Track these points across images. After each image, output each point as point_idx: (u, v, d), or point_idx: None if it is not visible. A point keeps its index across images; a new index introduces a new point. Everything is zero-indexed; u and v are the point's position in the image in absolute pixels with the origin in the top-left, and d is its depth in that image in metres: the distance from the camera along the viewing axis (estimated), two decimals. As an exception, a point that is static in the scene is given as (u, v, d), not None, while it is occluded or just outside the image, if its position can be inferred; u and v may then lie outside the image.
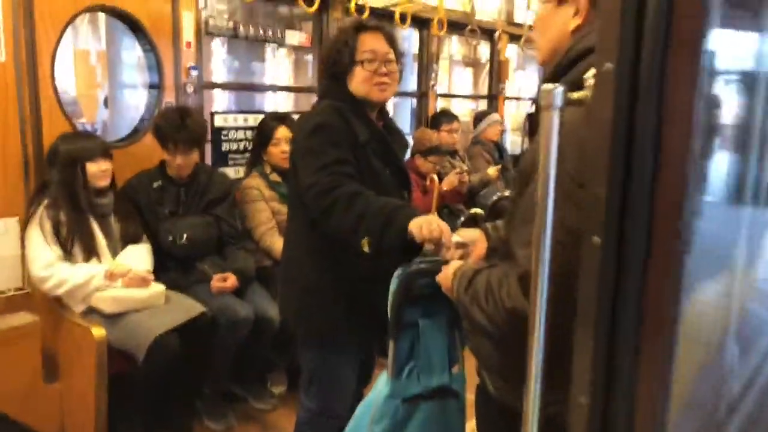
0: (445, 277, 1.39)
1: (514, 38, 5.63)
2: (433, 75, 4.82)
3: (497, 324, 1.13)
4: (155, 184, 2.80)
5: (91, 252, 2.54)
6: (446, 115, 4.70)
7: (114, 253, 2.62)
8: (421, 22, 4.60)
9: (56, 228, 2.48)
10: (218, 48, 6.50)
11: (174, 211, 2.82)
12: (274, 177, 3.12)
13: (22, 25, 2.55)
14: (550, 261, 0.82)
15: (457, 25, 4.68)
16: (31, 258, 2.46)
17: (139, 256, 2.65)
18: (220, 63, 6.35)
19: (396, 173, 1.92)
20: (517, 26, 5.53)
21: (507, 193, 3.52)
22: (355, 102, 1.85)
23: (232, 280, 2.81)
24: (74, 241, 2.51)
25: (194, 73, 3.13)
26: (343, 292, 1.87)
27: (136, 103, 3.49)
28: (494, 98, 5.69)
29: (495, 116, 5.16)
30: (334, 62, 1.87)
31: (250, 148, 3.42)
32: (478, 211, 2.23)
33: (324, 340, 1.94)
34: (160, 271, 2.73)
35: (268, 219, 3.09)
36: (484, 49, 6.17)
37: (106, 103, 6.29)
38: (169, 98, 3.09)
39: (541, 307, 0.82)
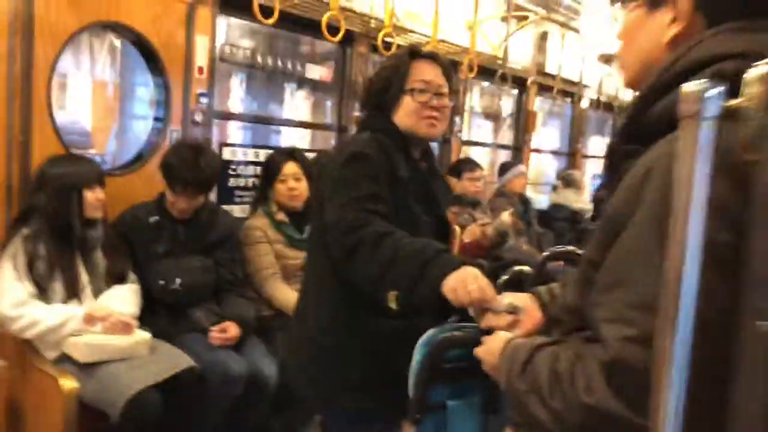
0: (489, 352, 1.08)
1: (543, 89, 5.42)
2: (458, 120, 4.59)
3: (568, 425, 0.82)
4: (151, 219, 2.52)
5: (72, 290, 2.25)
6: (469, 163, 4.44)
7: (97, 293, 2.33)
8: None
9: (32, 262, 2.20)
10: (236, 86, 6.37)
11: (169, 250, 2.52)
12: (281, 217, 2.83)
13: (19, 38, 2.33)
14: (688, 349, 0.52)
15: (485, 71, 4.47)
16: (0, 293, 2.17)
17: (124, 298, 2.35)
18: (237, 101, 6.21)
19: (436, 221, 1.67)
20: (548, 76, 5.33)
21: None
22: (398, 136, 1.62)
23: (233, 331, 2.50)
24: (54, 277, 2.22)
25: (204, 100, 2.90)
26: (369, 353, 1.57)
27: (145, 135, 3.29)
28: (519, 150, 5.44)
29: (521, 167, 4.90)
30: (381, 90, 1.65)
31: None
32: (524, 268, 1.91)
33: (347, 413, 1.63)
34: (147, 317, 2.43)
35: (271, 264, 2.79)
36: (505, 102, 5.99)
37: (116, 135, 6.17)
38: (176, 126, 2.85)
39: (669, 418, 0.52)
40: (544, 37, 5.30)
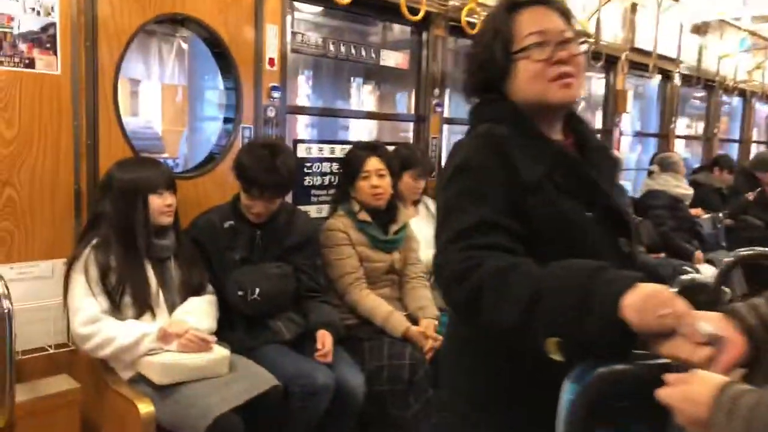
0: (688, 398, 0.78)
1: (634, 66, 4.97)
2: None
3: None
4: (226, 224, 2.32)
5: (143, 305, 2.08)
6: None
7: (171, 308, 2.15)
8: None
9: (105, 274, 2.04)
10: (302, 81, 6.20)
11: (246, 257, 2.32)
12: (363, 216, 2.59)
13: (82, 36, 2.18)
14: None
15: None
16: (72, 310, 2.02)
17: (200, 311, 2.16)
18: (303, 97, 6.04)
19: (605, 214, 1.22)
20: (641, 53, 4.87)
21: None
22: (521, 119, 1.24)
23: (327, 341, 2.29)
24: (125, 290, 2.06)
25: (276, 94, 2.68)
26: (526, 403, 1.16)
27: (216, 136, 3.13)
28: (609, 132, 5.01)
29: (615, 153, 4.49)
30: (483, 65, 1.28)
31: (336, 183, 2.93)
32: (696, 276, 1.52)
33: None
34: (224, 330, 2.24)
35: (354, 268, 2.55)
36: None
37: (187, 138, 6.12)
38: (247, 123, 2.65)
39: None
40: (633, 10, 4.86)
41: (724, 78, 6.17)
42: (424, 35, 3.37)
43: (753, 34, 6.06)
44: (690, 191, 4.83)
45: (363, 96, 8.25)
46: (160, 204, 2.13)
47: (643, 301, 0.90)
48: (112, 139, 2.28)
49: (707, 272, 4.38)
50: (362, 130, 6.89)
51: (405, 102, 4.08)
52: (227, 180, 2.60)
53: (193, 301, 2.18)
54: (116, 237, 2.08)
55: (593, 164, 1.27)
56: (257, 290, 2.26)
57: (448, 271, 1.10)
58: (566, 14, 1.27)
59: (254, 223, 2.35)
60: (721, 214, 5.29)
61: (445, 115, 3.64)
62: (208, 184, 2.57)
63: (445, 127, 3.79)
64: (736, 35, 6.04)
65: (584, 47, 1.27)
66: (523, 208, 1.15)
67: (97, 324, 1.99)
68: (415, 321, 2.54)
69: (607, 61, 4.61)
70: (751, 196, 5.98)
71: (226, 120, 2.70)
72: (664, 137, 5.79)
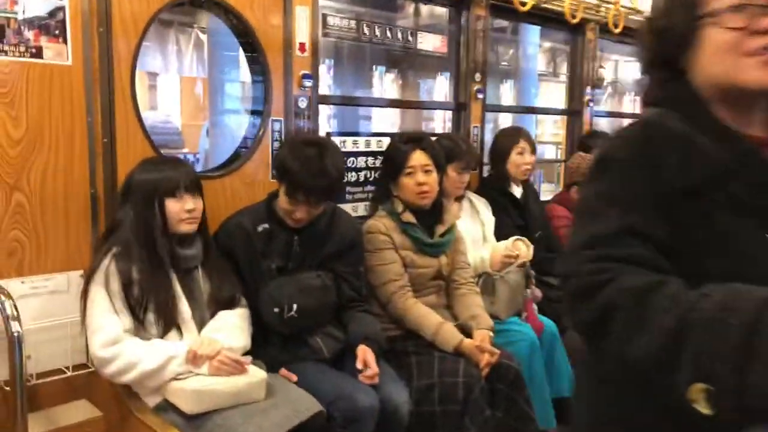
0: None
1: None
2: (589, 89, 3.93)
3: None
4: (260, 228, 2.08)
5: (169, 321, 1.85)
6: (602, 138, 3.79)
7: (200, 324, 1.92)
8: (574, 26, 3.75)
9: (127, 287, 1.82)
10: (323, 73, 5.93)
11: (283, 266, 2.08)
12: (408, 217, 2.34)
13: (95, 24, 1.95)
14: None
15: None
16: (91, 329, 1.80)
17: (233, 328, 1.93)
18: (324, 88, 5.77)
19: None
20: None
21: None
22: (698, 105, 1.00)
23: (369, 358, 2.04)
24: (148, 306, 1.83)
25: (308, 83, 2.44)
26: None
27: (239, 129, 2.89)
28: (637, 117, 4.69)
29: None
30: (660, 34, 1.03)
31: (372, 179, 2.68)
32: None
33: None
34: (257, 345, 2.01)
35: (399, 274, 2.30)
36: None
37: (208, 132, 5.90)
38: (277, 115, 2.41)
39: None
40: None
41: None
42: (464, 16, 3.10)
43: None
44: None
45: (385, 84, 7.98)
46: (179, 209, 1.88)
47: None
48: (131, 137, 2.05)
49: None
50: (384, 120, 6.61)
51: (429, 89, 3.80)
52: (257, 178, 2.38)
53: (225, 317, 1.95)
54: (137, 246, 1.85)
55: None
56: (295, 306, 2.03)
57: (574, 283, 0.92)
58: None
59: (291, 227, 2.10)
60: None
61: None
62: (236, 183, 2.34)
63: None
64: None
65: None
66: (675, 217, 0.92)
67: (119, 346, 1.76)
68: (467, 332, 2.30)
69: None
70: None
71: (254, 113, 2.46)
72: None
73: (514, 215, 3.04)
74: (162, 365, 1.76)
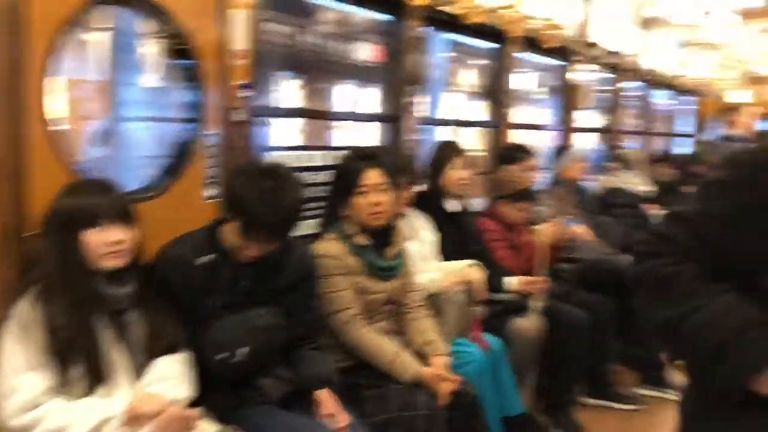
0: None
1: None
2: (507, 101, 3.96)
3: None
4: (201, 260, 1.83)
5: (98, 375, 1.58)
6: (522, 150, 3.79)
7: (137, 374, 1.66)
8: (496, 36, 3.75)
9: (48, 337, 1.53)
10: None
11: (229, 303, 1.85)
12: (360, 240, 2.18)
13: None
14: None
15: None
16: (3, 392, 1.50)
17: (176, 377, 1.69)
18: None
19: None
20: (592, 47, 4.71)
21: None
22: None
23: (331, 403, 1.89)
24: (73, 357, 1.55)
25: (247, 94, 2.22)
26: None
27: (145, 137, 2.58)
28: (565, 131, 4.83)
29: (580, 151, 4.31)
30: None
31: (319, 197, 2.50)
32: None
33: None
34: (199, 393, 1.77)
35: (351, 301, 2.14)
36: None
37: (97, 139, 5.35)
38: (213, 129, 2.17)
39: None
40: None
41: (661, 73, 6.18)
42: (401, 25, 2.98)
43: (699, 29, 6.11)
44: (651, 189, 4.75)
45: (290, 91, 7.72)
46: (100, 242, 1.61)
47: None
48: (44, 158, 1.75)
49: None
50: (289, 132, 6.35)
51: (357, 99, 3.66)
52: (190, 200, 2.13)
53: (165, 364, 1.70)
54: (58, 286, 1.57)
55: None
56: (245, 350, 1.80)
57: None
58: None
59: (237, 259, 1.87)
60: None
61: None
62: (163, 206, 2.07)
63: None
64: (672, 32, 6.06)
65: None
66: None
67: (39, 410, 1.48)
68: (422, 359, 2.18)
69: (565, 54, 4.43)
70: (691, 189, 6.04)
71: (188, 120, 2.20)
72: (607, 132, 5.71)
73: (452, 231, 2.97)
74: (94, 430, 1.50)
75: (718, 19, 5.99)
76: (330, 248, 2.15)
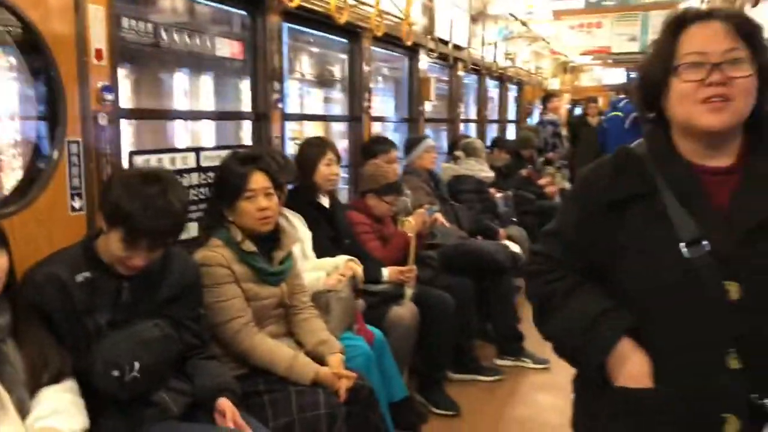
0: None
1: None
2: (367, 95, 4.05)
3: None
4: (79, 278, 1.69)
5: (-21, 417, 1.41)
6: (383, 143, 3.93)
7: (20, 410, 1.50)
8: (351, 33, 3.82)
9: None
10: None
11: (114, 319, 1.73)
12: (248, 246, 2.13)
13: None
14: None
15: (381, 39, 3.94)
16: None
17: (69, 407, 1.55)
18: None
19: (708, 255, 1.16)
20: (440, 42, 4.95)
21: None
22: (662, 138, 1.28)
23: (231, 411, 1.82)
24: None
25: (109, 96, 2.06)
26: None
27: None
28: (415, 121, 5.05)
29: (430, 141, 4.53)
30: (642, 80, 1.29)
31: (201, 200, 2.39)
32: None
33: None
34: (95, 420, 1.65)
35: (242, 309, 2.10)
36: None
37: None
38: (74, 136, 1.99)
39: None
40: (429, -3, 4.91)
41: (491, 64, 6.66)
42: (259, 21, 2.93)
43: (524, 24, 6.63)
44: (491, 174, 5.12)
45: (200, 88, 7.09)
46: None
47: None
48: None
49: (514, 248, 4.70)
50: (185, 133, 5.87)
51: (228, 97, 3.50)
52: (53, 215, 1.94)
53: (54, 395, 1.55)
54: None
55: (747, 193, 1.18)
56: (137, 365, 1.70)
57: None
58: (744, 29, 1.18)
59: (119, 273, 1.76)
60: (509, 192, 5.73)
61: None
62: (24, 222, 1.87)
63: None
64: (501, 24, 6.55)
65: (745, 71, 1.16)
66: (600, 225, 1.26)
67: None
68: (317, 359, 2.19)
69: (411, 48, 4.61)
70: (525, 172, 6.61)
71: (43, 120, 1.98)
72: (451, 122, 6.05)
73: (326, 227, 3.00)
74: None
75: (538, 16, 6.56)
76: (216, 256, 2.08)
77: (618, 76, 11.30)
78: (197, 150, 2.57)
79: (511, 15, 6.50)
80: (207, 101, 3.32)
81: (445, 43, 4.96)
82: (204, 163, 2.59)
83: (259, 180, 2.13)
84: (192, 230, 2.57)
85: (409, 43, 3.87)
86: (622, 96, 8.00)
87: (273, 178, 2.17)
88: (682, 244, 1.16)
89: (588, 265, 1.30)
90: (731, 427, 1.12)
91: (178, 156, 2.45)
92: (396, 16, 3.80)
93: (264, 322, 2.21)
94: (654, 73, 1.23)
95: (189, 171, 2.52)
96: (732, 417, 1.12)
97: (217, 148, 2.68)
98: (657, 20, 7.63)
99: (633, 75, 11.12)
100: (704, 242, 1.15)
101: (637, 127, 7.80)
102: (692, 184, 1.20)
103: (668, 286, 1.18)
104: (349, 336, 2.59)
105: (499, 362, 3.81)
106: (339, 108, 4.47)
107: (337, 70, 4.48)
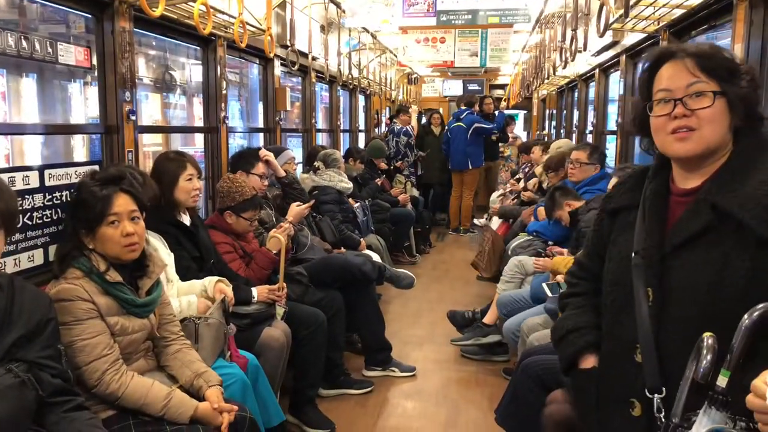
0: None
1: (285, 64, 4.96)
2: (223, 105, 3.86)
3: None
4: None
5: None
6: (248, 157, 3.74)
7: None
8: (204, 40, 3.62)
9: None
10: None
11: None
12: (114, 276, 1.92)
13: None
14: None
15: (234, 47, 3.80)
16: None
17: None
18: None
19: (645, 261, 1.43)
20: (294, 52, 4.86)
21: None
22: (656, 163, 1.51)
23: None
24: None
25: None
26: None
27: None
28: (272, 131, 4.93)
29: (289, 152, 4.44)
30: (634, 115, 1.47)
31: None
32: None
33: None
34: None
35: (109, 346, 1.88)
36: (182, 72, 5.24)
37: None
38: None
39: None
40: (282, 6, 4.82)
41: (342, 74, 6.70)
42: (106, 27, 2.67)
43: (373, 36, 6.72)
44: (350, 185, 5.14)
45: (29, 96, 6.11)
46: None
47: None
48: None
49: (377, 258, 4.76)
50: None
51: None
52: None
53: None
54: None
55: (688, 212, 1.35)
56: (-13, 422, 1.46)
57: None
58: (705, 64, 1.31)
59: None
60: (366, 201, 5.80)
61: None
62: None
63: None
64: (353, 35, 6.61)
65: (707, 102, 1.31)
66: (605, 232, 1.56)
67: None
68: (193, 393, 2.04)
69: (266, 57, 4.49)
70: (379, 181, 6.74)
71: None
72: (306, 132, 5.99)
73: (189, 246, 2.81)
74: None
75: (388, 28, 6.72)
76: (76, 289, 1.85)
77: (457, 87, 11.98)
78: (41, 169, 2.28)
79: (363, 28, 6.60)
80: (30, 111, 2.96)
81: (304, 55, 4.88)
82: (50, 183, 2.32)
83: (123, 203, 1.93)
84: (37, 259, 2.31)
85: (271, 55, 3.74)
86: (464, 107, 8.47)
87: (138, 200, 1.97)
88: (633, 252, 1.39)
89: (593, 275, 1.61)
90: (636, 410, 1.35)
91: (17, 175, 2.15)
92: (255, 27, 3.67)
93: (132, 357, 2.00)
94: (640, 110, 1.42)
95: (31, 192, 2.23)
96: (636, 402, 1.34)
97: (66, 165, 2.39)
98: (493, 37, 8.20)
99: (470, 87, 11.90)
100: (641, 252, 1.37)
101: (479, 138, 8.33)
102: (655, 202, 1.41)
103: (617, 283, 1.44)
104: (222, 363, 2.44)
105: (368, 373, 3.83)
106: (182, 114, 4.22)
107: (178, 75, 4.23)
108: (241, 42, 3.50)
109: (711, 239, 1.28)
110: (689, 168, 1.39)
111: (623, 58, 4.45)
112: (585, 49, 4.17)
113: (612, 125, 5.28)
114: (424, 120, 10.12)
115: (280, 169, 4.06)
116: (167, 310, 2.18)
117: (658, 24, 3.37)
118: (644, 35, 3.72)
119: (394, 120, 8.70)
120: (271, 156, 3.87)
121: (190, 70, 4.22)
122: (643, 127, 1.42)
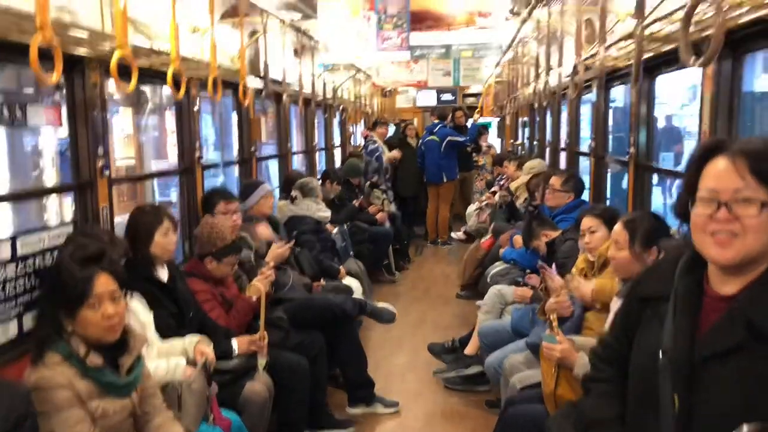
0: None
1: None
2: (198, 143, 3.82)
3: None
4: None
5: None
6: (221, 196, 3.69)
7: None
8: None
9: None
10: None
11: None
12: (94, 360, 1.86)
13: None
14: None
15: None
16: None
17: None
18: None
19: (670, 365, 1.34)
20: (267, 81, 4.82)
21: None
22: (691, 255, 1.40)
23: None
24: None
25: None
26: None
27: None
28: (247, 162, 4.88)
29: (266, 187, 4.40)
30: (679, 204, 1.40)
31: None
32: None
33: None
34: None
35: (89, 432, 1.84)
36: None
37: None
38: None
39: None
40: (252, 35, 4.77)
41: (315, 95, 6.67)
42: (78, 82, 2.61)
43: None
44: (328, 214, 5.11)
45: None
46: None
47: None
48: None
49: (358, 292, 4.73)
50: None
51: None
52: None
53: None
54: None
55: (722, 323, 1.27)
56: None
57: None
58: (757, 166, 1.23)
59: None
60: (345, 225, 5.77)
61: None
62: None
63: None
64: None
65: (753, 211, 1.23)
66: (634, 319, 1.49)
67: None
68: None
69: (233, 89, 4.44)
70: (356, 202, 6.72)
71: None
72: (283, 157, 5.94)
73: (167, 303, 2.77)
74: None
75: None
76: (55, 376, 1.80)
77: (430, 97, 12.00)
78: (12, 238, 2.23)
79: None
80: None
81: (278, 83, 4.85)
82: (23, 251, 2.26)
83: (103, 283, 1.87)
84: (12, 330, 2.25)
85: (247, 102, 3.70)
86: (437, 121, 8.49)
87: (118, 279, 1.92)
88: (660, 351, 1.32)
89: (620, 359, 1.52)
90: None
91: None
92: (228, 68, 3.63)
93: (114, 441, 1.96)
94: (684, 199, 1.34)
95: (3, 264, 2.18)
96: None
97: (39, 229, 2.34)
98: (466, 61, 8.25)
99: (443, 96, 11.93)
100: (669, 354, 1.30)
101: (452, 151, 8.36)
102: (688, 301, 1.33)
103: (642, 379, 1.38)
104: (204, 427, 2.41)
105: (352, 411, 3.81)
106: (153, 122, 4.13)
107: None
108: (215, 95, 3.44)
109: (745, 356, 1.22)
110: (726, 272, 1.30)
111: (596, 82, 4.49)
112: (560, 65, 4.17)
113: (585, 147, 5.33)
114: (396, 131, 10.10)
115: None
116: (149, 382, 2.13)
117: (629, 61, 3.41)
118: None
119: (371, 133, 8.68)
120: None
121: (162, 87, 4.18)
122: (687, 216, 1.34)
